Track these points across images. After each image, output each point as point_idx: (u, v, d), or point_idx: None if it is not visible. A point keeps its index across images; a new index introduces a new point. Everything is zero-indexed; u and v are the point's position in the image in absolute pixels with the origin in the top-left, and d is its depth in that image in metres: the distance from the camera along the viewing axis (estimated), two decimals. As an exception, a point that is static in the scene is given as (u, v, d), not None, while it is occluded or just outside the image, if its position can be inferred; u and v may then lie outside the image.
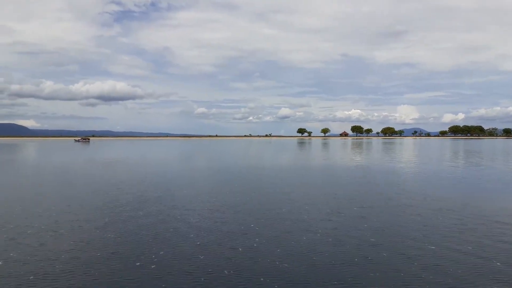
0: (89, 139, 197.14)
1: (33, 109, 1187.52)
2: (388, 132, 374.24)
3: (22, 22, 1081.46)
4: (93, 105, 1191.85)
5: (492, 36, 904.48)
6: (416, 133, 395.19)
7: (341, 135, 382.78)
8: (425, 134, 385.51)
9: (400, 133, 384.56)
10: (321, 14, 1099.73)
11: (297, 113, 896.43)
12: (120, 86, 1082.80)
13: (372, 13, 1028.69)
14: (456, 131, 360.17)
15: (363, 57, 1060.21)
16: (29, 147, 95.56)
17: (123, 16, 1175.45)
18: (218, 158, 50.90)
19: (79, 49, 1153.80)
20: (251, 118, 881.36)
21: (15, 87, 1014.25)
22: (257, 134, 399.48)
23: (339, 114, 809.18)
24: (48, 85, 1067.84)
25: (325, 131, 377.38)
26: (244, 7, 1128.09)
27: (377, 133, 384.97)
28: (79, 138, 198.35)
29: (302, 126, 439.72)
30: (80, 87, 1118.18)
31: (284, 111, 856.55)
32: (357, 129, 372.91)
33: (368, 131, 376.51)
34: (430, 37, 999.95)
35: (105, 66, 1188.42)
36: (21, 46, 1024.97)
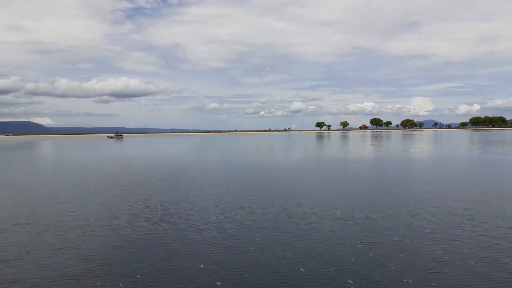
0: (122, 135, 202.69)
1: (48, 106, 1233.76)
2: (408, 124, 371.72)
3: (36, 21, 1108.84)
4: (106, 102, 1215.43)
5: (509, 25, 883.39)
6: (436, 125, 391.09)
7: (360, 128, 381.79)
8: (446, 126, 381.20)
9: (420, 125, 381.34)
10: (333, 6, 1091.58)
11: (309, 107, 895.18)
12: (134, 83, 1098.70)
13: (386, 4, 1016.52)
14: (477, 122, 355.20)
15: (376, 49, 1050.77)
16: (69, 144, 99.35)
17: (135, 13, 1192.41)
18: (263, 153, 53.76)
19: (92, 47, 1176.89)
20: (262, 112, 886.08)
21: (30, 86, 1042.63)
22: (275, 129, 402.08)
23: (352, 107, 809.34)
24: (63, 83, 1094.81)
25: (344, 124, 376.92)
26: (254, 1, 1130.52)
27: (396, 125, 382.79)
28: (112, 134, 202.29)
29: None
30: (94, 84, 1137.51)
31: (296, 105, 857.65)
32: (376, 122, 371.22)
33: (388, 123, 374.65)
34: (446, 27, 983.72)
35: (117, 63, 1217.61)
36: (36, 45, 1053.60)
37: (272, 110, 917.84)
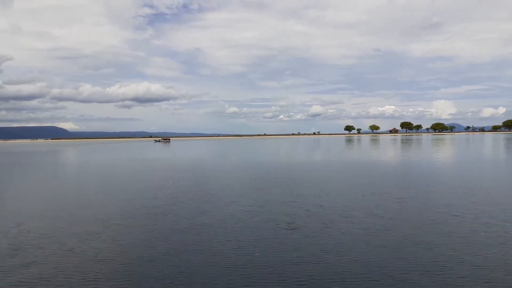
0: (169, 139, 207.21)
1: (72, 112, 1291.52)
2: (438, 128, 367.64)
3: (62, 28, 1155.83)
4: (128, 107, 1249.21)
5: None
6: (469, 128, 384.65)
7: (390, 131, 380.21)
8: (479, 129, 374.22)
9: (451, 129, 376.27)
10: (354, 8, 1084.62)
11: (329, 110, 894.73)
12: (155, 88, 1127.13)
13: (408, 5, 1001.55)
14: (511, 125, 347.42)
15: (397, 51, 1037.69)
16: (122, 149, 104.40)
17: (156, 19, 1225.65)
18: (319, 156, 58.37)
19: (115, 53, 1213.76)
20: (281, 116, 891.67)
21: (55, 91, 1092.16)
22: (304, 132, 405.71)
23: (373, 110, 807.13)
24: (87, 88, 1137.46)
25: (374, 127, 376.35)
26: (274, 5, 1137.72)
27: (427, 129, 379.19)
28: (160, 138, 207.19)
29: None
30: (116, 89, 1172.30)
31: (316, 108, 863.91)
32: (406, 125, 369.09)
33: (418, 127, 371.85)
34: (470, 27, 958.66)
35: (139, 69, 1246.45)
36: (61, 51, 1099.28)
37: (291, 114, 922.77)
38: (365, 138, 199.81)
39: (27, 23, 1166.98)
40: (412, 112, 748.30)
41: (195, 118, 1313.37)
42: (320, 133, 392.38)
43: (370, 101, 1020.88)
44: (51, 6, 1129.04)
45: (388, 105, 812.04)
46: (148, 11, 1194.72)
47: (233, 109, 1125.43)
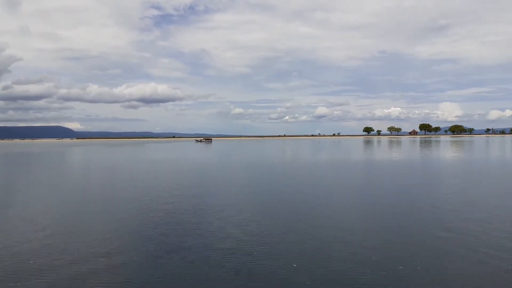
0: (211, 139, 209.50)
1: (79, 112, 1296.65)
2: (457, 130, 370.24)
3: (70, 29, 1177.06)
4: (134, 107, 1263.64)
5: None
6: (489, 130, 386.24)
7: (410, 133, 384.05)
8: (500, 131, 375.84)
9: (470, 131, 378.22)
10: (361, 11, 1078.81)
11: (334, 112, 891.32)
12: (162, 88, 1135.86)
13: (415, 7, 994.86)
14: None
15: (404, 53, 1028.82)
16: (168, 148, 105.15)
17: (162, 20, 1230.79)
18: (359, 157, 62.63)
19: (121, 54, 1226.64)
20: (287, 117, 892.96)
21: (63, 91, 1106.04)
22: (323, 134, 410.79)
23: (378, 112, 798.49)
24: (94, 89, 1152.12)
25: (392, 129, 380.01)
26: (280, 7, 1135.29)
27: (445, 131, 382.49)
28: (201, 138, 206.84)
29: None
30: (123, 90, 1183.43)
31: (321, 110, 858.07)
32: (425, 127, 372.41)
33: (437, 129, 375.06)
34: (478, 30, 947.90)
35: (145, 69, 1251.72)
36: (68, 52, 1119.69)
37: (296, 115, 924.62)
38: (391, 140, 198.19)
39: (35, 25, 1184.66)
40: (418, 114, 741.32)
41: (200, 118, 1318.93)
42: (340, 134, 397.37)
43: (376, 102, 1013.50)
44: (59, 7, 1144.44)
45: (394, 107, 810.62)
46: (155, 12, 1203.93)
47: (238, 110, 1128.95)
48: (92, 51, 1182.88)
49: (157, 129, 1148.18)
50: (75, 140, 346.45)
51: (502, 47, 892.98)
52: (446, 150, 74.65)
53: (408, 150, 77.39)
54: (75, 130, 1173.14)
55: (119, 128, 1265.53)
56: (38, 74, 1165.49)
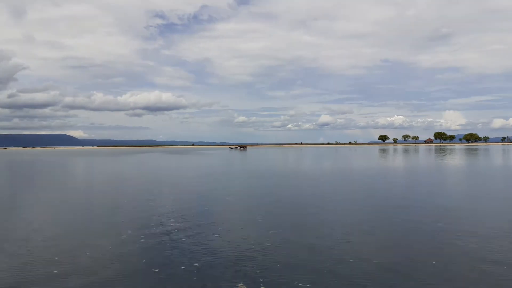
0: (246, 147, 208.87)
1: (83, 120, 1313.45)
2: (471, 138, 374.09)
3: (74, 38, 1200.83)
4: (139, 115, 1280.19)
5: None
6: (505, 138, 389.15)
7: (426, 141, 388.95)
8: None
9: (485, 139, 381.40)
10: (363, 19, 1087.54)
11: (337, 120, 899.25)
12: (166, 97, 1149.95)
13: (418, 16, 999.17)
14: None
15: (406, 61, 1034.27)
16: (215, 157, 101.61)
17: (166, 29, 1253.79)
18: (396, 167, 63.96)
19: (126, 62, 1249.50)
20: (290, 125, 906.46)
21: (68, 99, 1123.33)
22: (338, 142, 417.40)
23: (382, 120, 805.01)
24: (99, 97, 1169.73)
25: (407, 137, 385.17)
26: (283, 16, 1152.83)
27: (460, 139, 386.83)
28: (236, 146, 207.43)
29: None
30: (127, 98, 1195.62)
31: (324, 118, 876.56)
32: (440, 136, 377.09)
33: (451, 137, 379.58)
34: (481, 39, 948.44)
35: (149, 78, 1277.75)
36: (73, 60, 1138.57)
37: (299, 123, 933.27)
38: (407, 148, 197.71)
39: (40, 33, 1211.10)
40: (422, 122, 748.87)
41: (203, 127, 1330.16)
42: (357, 142, 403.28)
43: (379, 111, 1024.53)
44: (63, 16, 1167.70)
45: (397, 115, 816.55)
46: (159, 21, 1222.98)
47: (242, 118, 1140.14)
48: (96, 59, 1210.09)
49: (160, 137, 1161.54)
50: (87, 148, 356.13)
51: (505, 56, 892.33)
52: (475, 159, 74.42)
53: (433, 159, 73.89)
54: (78, 138, 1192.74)
55: (122, 136, 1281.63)
56: (44, 82, 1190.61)
